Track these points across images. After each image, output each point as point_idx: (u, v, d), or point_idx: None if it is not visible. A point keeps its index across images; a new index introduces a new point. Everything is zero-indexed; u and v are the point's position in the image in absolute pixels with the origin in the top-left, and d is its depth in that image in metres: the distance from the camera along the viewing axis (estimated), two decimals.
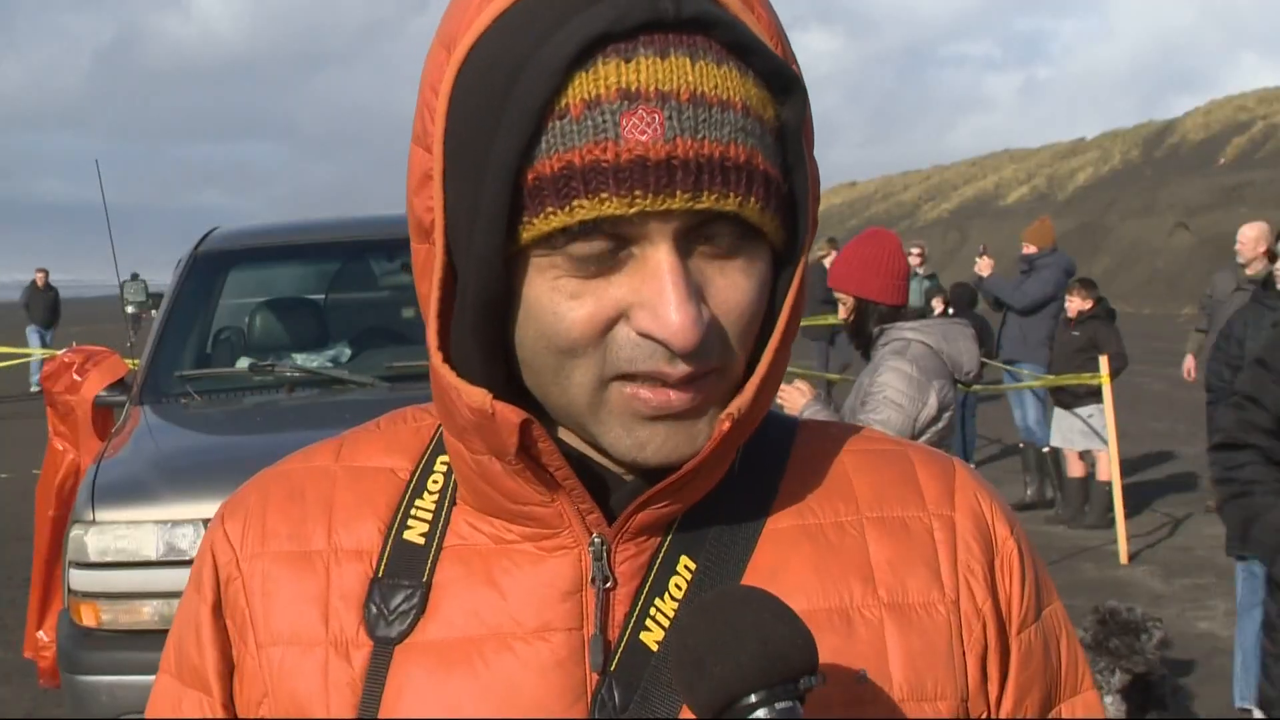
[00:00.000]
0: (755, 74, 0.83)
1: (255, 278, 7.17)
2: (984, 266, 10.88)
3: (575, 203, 0.80)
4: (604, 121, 0.79)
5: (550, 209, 0.81)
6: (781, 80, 0.85)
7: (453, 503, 0.97)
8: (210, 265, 6.55)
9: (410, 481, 1.00)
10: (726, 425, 0.87)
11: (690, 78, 0.80)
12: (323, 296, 7.09)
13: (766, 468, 1.00)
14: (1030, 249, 10.89)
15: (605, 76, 0.79)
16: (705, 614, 0.81)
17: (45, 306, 23.07)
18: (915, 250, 12.65)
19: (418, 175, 0.88)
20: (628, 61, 0.79)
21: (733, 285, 0.86)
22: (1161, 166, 45.13)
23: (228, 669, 0.98)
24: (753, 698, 0.77)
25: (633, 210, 0.80)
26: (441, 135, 0.85)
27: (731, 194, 0.81)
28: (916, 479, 1.01)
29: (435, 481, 0.99)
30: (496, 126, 0.81)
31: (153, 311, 7.17)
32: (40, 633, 5.66)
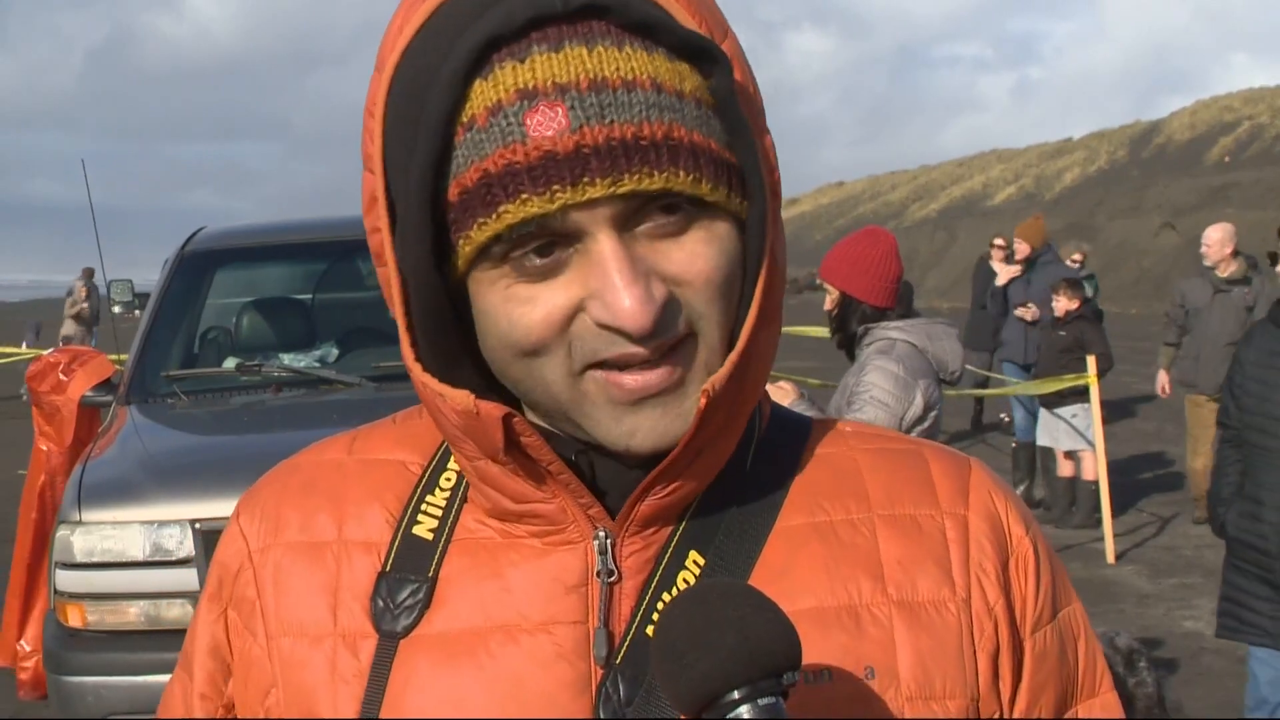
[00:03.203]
0: (666, 49, 0.83)
1: (242, 278, 7.16)
2: (1030, 314, 10.74)
3: (501, 209, 0.80)
4: (508, 124, 0.80)
5: (480, 220, 0.81)
6: (698, 51, 0.84)
7: (464, 501, 0.98)
8: (197, 265, 6.54)
9: (422, 477, 1.00)
10: (703, 403, 0.86)
11: (588, 65, 0.80)
12: (310, 296, 7.07)
13: (779, 465, 1.00)
14: (1025, 247, 10.89)
15: (502, 80, 0.80)
16: (686, 607, 0.81)
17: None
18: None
19: (366, 198, 0.90)
20: (522, 62, 0.80)
21: (692, 255, 0.85)
22: (1148, 167, 45.24)
23: (216, 658, 1.00)
24: (735, 694, 0.77)
25: (555, 205, 0.80)
26: (380, 156, 0.86)
27: (655, 172, 0.81)
28: (930, 477, 1.01)
29: (448, 479, 0.99)
30: (416, 143, 0.82)
31: (137, 312, 7.15)
32: (22, 642, 5.62)
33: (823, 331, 4.29)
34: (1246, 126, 42.95)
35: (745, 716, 0.76)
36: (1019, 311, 10.99)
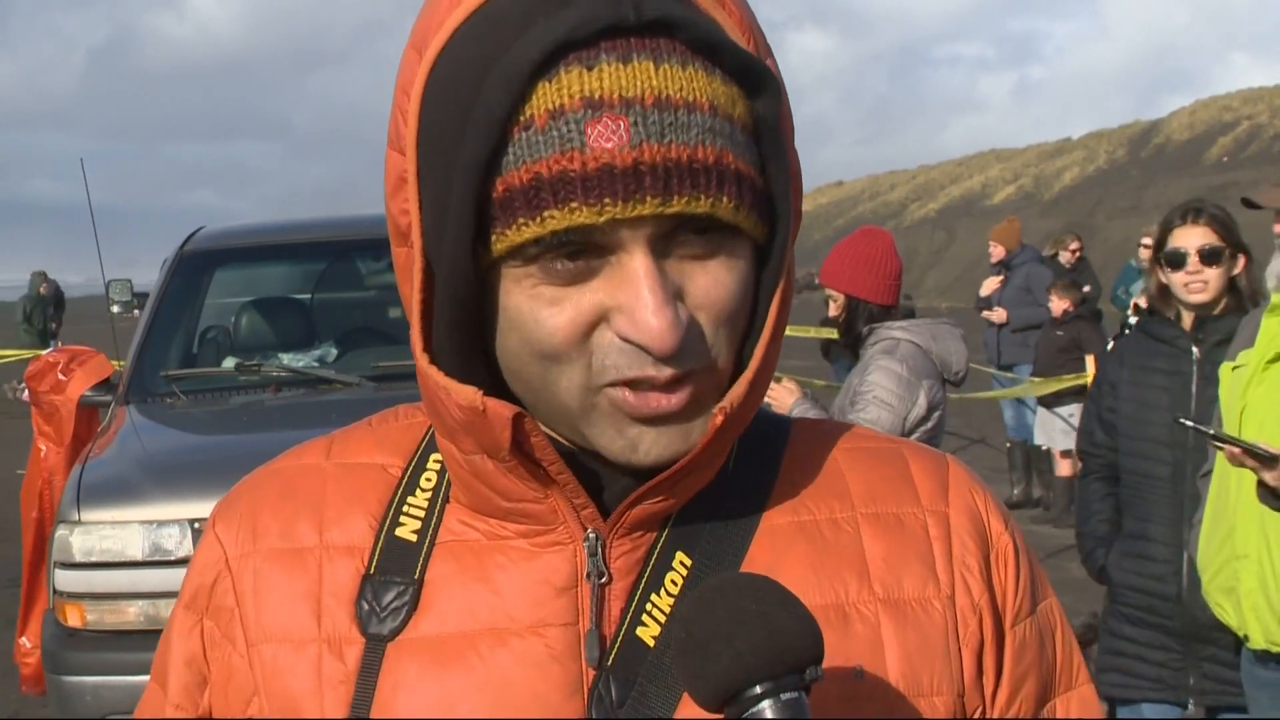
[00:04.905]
0: (724, 71, 0.83)
1: (241, 277, 7.16)
2: (998, 316, 10.71)
3: (546, 213, 0.80)
4: (569, 131, 0.79)
5: (522, 220, 0.81)
6: (753, 75, 0.84)
7: (446, 500, 0.97)
8: (196, 265, 6.53)
9: (402, 479, 0.99)
10: (719, 420, 0.87)
11: (654, 82, 0.80)
12: (309, 296, 7.07)
13: (761, 465, 1.00)
14: (1000, 250, 10.86)
15: (568, 85, 0.79)
16: (708, 601, 0.80)
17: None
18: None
19: (393, 178, 0.89)
20: (590, 69, 0.79)
21: (715, 282, 0.85)
22: (1147, 166, 45.28)
23: (192, 670, 0.99)
24: (758, 688, 0.76)
25: (603, 219, 0.80)
26: (414, 138, 0.85)
27: (702, 196, 0.81)
28: (911, 475, 1.01)
29: (428, 479, 0.99)
30: (463, 132, 0.81)
31: (136, 311, 7.15)
32: (23, 639, 5.62)
33: (820, 332, 4.28)
34: (1245, 126, 43.00)
35: (768, 715, 0.76)
36: (985, 314, 10.95)
